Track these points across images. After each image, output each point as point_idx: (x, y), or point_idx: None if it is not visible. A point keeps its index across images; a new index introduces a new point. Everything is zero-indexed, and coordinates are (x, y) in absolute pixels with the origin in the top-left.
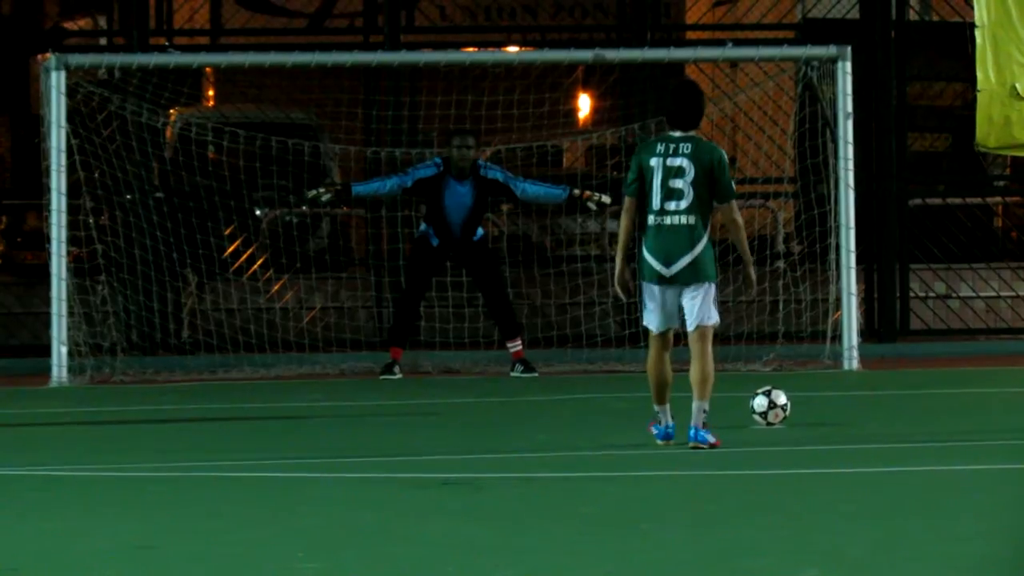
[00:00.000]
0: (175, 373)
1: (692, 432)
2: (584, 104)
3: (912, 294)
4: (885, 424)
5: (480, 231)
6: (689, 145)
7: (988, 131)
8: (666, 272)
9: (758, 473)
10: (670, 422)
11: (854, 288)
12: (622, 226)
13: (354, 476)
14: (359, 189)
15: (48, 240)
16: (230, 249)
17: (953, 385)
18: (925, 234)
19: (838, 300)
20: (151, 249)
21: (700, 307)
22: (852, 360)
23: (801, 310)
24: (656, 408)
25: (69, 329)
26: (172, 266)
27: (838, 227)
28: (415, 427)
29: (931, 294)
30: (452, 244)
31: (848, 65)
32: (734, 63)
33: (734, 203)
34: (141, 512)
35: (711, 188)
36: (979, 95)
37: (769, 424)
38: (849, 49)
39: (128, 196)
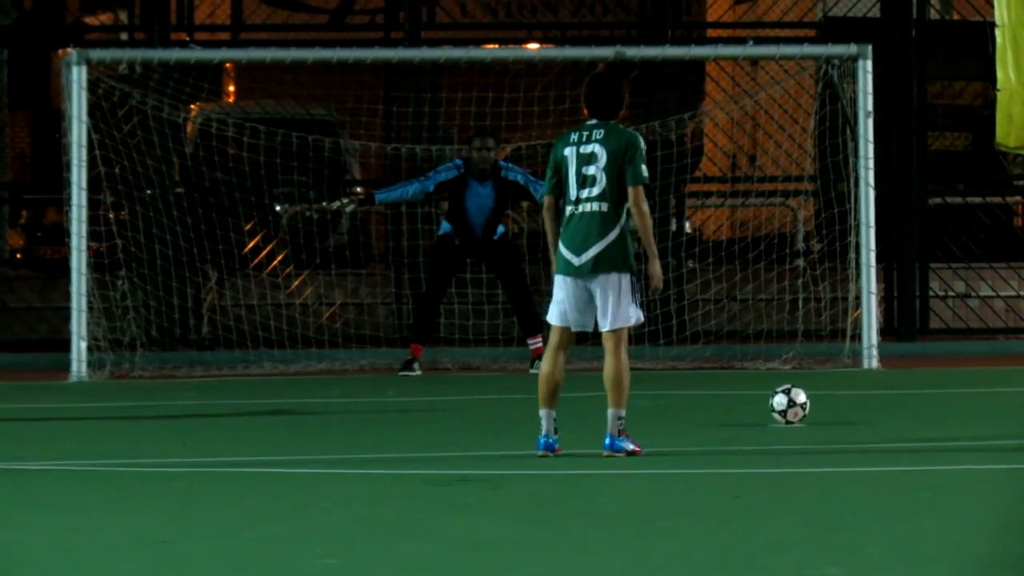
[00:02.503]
0: (194, 369)
1: (608, 441)
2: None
3: (932, 293)
4: (904, 423)
5: (501, 228)
6: (602, 131)
7: (1008, 130)
8: (576, 261)
9: (777, 472)
10: (552, 433)
11: (874, 287)
12: (547, 229)
13: (373, 472)
14: (382, 196)
15: (68, 235)
16: (250, 245)
17: (972, 384)
18: (945, 233)
19: (858, 299)
20: (171, 244)
21: (614, 304)
22: (872, 359)
23: (821, 308)
24: (540, 413)
25: (89, 324)
26: (192, 262)
27: (858, 225)
28: (434, 423)
29: (951, 293)
30: (473, 243)
31: (869, 64)
32: (755, 61)
33: (641, 191)
34: (160, 507)
35: (622, 174)
36: (999, 94)
37: (788, 423)
38: (870, 48)
39: (149, 191)
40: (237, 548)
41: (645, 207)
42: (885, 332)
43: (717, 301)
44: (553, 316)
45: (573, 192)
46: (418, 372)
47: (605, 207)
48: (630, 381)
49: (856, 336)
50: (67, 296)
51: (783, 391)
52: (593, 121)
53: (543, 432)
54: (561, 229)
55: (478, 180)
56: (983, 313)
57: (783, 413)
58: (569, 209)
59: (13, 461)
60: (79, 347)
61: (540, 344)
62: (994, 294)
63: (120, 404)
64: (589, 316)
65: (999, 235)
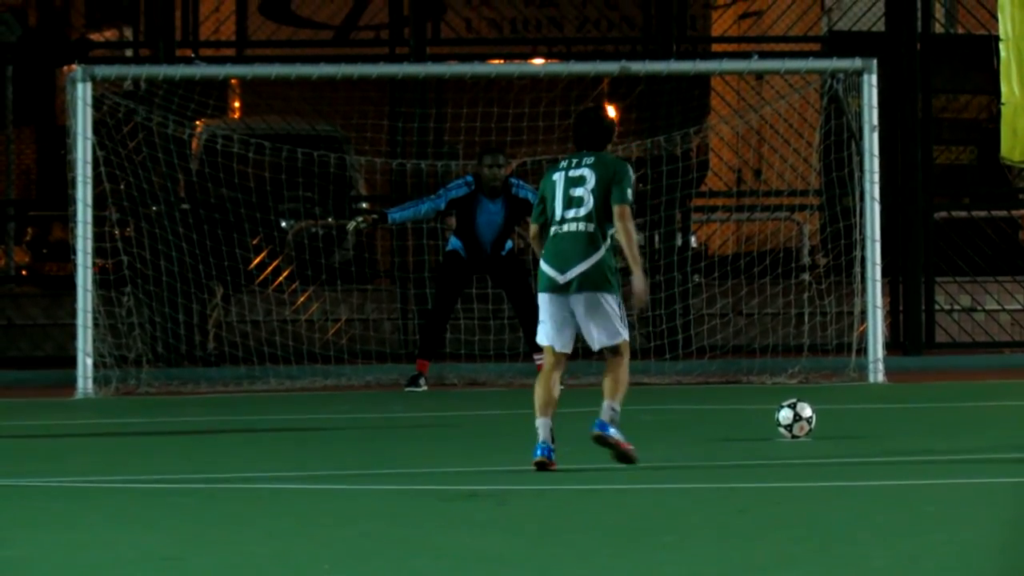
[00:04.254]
0: (200, 385)
1: (597, 423)
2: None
3: (937, 307)
4: (910, 437)
5: (508, 244)
6: (592, 158)
7: (1013, 144)
8: (560, 278)
9: (783, 486)
10: (550, 441)
11: (879, 301)
12: (537, 254)
13: (380, 488)
14: (396, 215)
15: (73, 251)
16: (256, 261)
17: (978, 398)
18: (950, 247)
19: (863, 313)
20: (177, 261)
21: (600, 322)
22: (877, 373)
23: (827, 322)
24: (537, 422)
25: (94, 341)
26: (198, 278)
27: (863, 240)
28: (440, 439)
29: (956, 307)
30: (482, 259)
31: (874, 78)
32: (760, 75)
33: (627, 209)
34: (167, 523)
35: (609, 196)
36: (1004, 108)
37: (794, 437)
38: (875, 62)
39: (154, 208)
40: (244, 564)
41: (630, 225)
42: (891, 346)
43: (723, 315)
44: (542, 337)
45: (559, 212)
46: (424, 388)
47: (591, 227)
48: (627, 390)
49: (862, 350)
50: (73, 313)
51: (789, 405)
52: (584, 152)
53: (540, 439)
54: (544, 247)
55: (488, 197)
56: (989, 327)
57: (789, 427)
58: (553, 229)
59: (19, 478)
60: (85, 364)
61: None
62: (1000, 308)
63: (126, 420)
64: (568, 335)
65: (1004, 249)
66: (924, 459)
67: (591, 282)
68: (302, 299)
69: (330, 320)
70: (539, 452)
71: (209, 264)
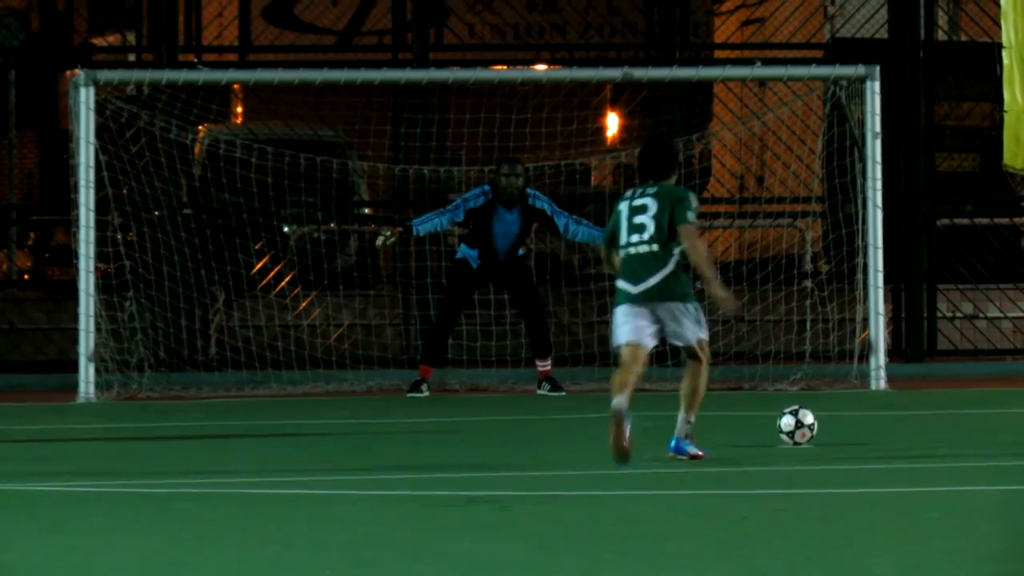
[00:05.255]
0: (202, 390)
1: (673, 443)
2: (612, 122)
3: (939, 314)
4: (912, 444)
5: (521, 250)
6: (655, 188)
7: (1016, 151)
8: (632, 289)
9: (785, 492)
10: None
11: (882, 308)
12: (606, 260)
13: (381, 493)
14: (420, 228)
15: (76, 256)
16: (258, 266)
17: (980, 405)
18: (953, 254)
19: (866, 320)
20: (179, 265)
21: (679, 324)
22: (879, 380)
23: (829, 330)
24: (614, 401)
25: (96, 345)
26: (200, 283)
27: (866, 247)
28: (442, 445)
29: (958, 314)
30: (495, 267)
31: (876, 85)
32: (762, 82)
33: (691, 228)
34: (168, 528)
35: (671, 220)
36: (1006, 115)
37: (796, 444)
38: (878, 69)
39: (156, 212)
40: (246, 569)
41: (696, 243)
42: (893, 353)
43: (725, 322)
44: (620, 336)
45: (624, 238)
46: (426, 393)
47: (654, 247)
48: (702, 397)
49: (864, 357)
50: (75, 317)
51: (791, 412)
52: (648, 182)
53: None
54: (620, 269)
55: (505, 206)
56: (991, 334)
57: (791, 434)
58: (622, 253)
59: (20, 481)
60: (87, 368)
61: (549, 367)
62: (1002, 315)
63: (127, 425)
64: (648, 334)
65: (1007, 256)
66: (926, 466)
67: (666, 292)
68: (304, 304)
69: (332, 325)
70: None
71: (211, 269)
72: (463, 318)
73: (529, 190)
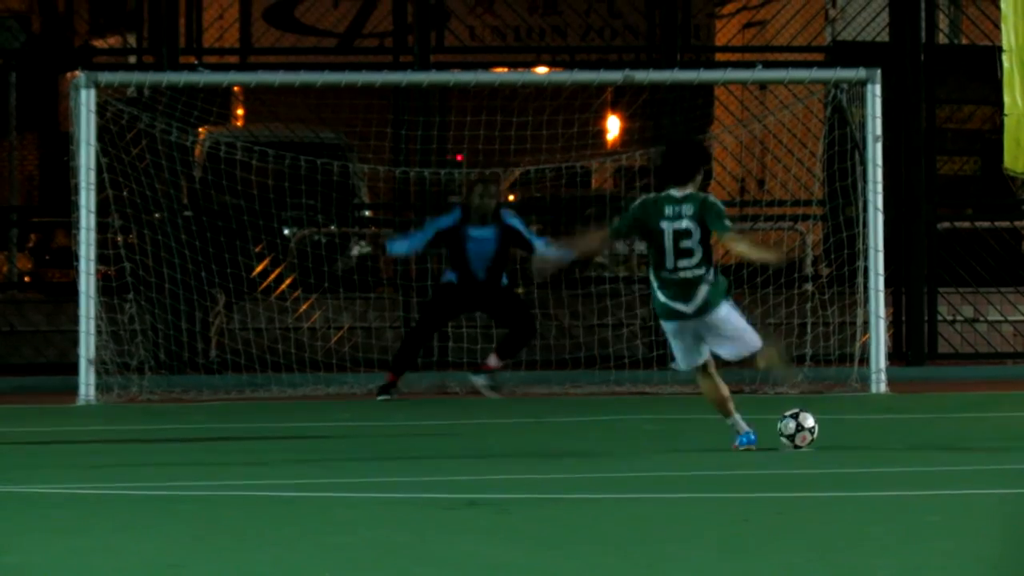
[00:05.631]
0: (202, 392)
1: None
2: (613, 125)
3: (940, 318)
4: (913, 447)
5: (504, 280)
6: (691, 206)
7: (1016, 155)
8: (687, 309)
9: (786, 496)
10: (748, 429)
11: (882, 311)
12: (591, 240)
13: (381, 496)
14: (393, 249)
15: (76, 258)
16: (258, 268)
17: (981, 409)
18: (953, 257)
19: (866, 323)
20: (179, 268)
21: (732, 334)
22: (880, 383)
23: (829, 333)
24: (728, 421)
25: (97, 347)
26: (200, 285)
27: (866, 250)
28: (442, 447)
29: (959, 318)
30: (476, 289)
31: (877, 88)
32: (763, 85)
33: (732, 235)
34: (168, 530)
35: (708, 235)
36: (1007, 119)
37: (796, 447)
38: (879, 72)
39: (157, 214)
40: (245, 572)
41: (744, 245)
42: (893, 357)
43: None
44: (681, 363)
45: (671, 262)
46: (394, 398)
47: (702, 270)
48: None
49: (864, 361)
50: (75, 319)
51: (791, 415)
52: (676, 192)
53: (742, 431)
54: (659, 287)
55: (478, 224)
56: (991, 338)
57: (791, 437)
58: (666, 274)
59: (21, 484)
60: (87, 370)
61: (498, 366)
62: (1002, 319)
63: (127, 427)
64: (700, 350)
65: (1007, 259)
66: (927, 469)
67: (709, 303)
68: (304, 307)
69: (332, 328)
70: (743, 443)
71: (212, 271)
72: (463, 320)
73: (504, 210)
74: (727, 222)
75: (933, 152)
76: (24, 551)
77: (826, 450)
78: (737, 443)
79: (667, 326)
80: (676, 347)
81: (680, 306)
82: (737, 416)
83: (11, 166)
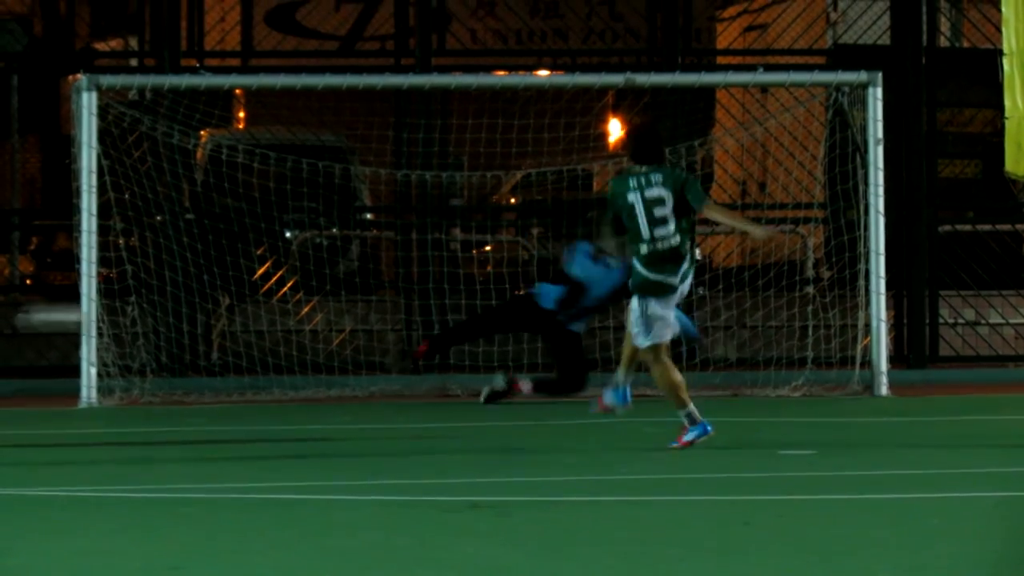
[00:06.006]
0: (204, 395)
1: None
2: (614, 128)
3: (941, 321)
4: (914, 450)
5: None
6: (659, 175)
7: (1017, 158)
8: (674, 280)
9: (787, 499)
10: (703, 420)
11: (884, 314)
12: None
13: (383, 499)
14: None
15: (78, 261)
16: (260, 271)
17: (982, 412)
18: (955, 260)
19: (867, 326)
20: (181, 270)
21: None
22: (881, 386)
23: (831, 336)
24: (682, 412)
25: (98, 350)
26: (202, 288)
27: (868, 253)
28: (443, 450)
29: (960, 321)
30: (550, 314)
31: (879, 91)
32: (764, 88)
33: (710, 204)
34: (170, 533)
35: (686, 206)
36: (1008, 122)
37: None
38: (880, 75)
39: (158, 217)
40: (247, 574)
41: (722, 213)
42: (894, 359)
43: (727, 328)
44: (658, 336)
45: (646, 231)
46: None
47: (678, 239)
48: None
49: (866, 363)
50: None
51: None
52: (644, 167)
53: (698, 422)
54: (643, 264)
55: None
56: (993, 341)
57: None
58: (646, 246)
59: (23, 487)
60: (89, 373)
61: (527, 393)
62: (1004, 322)
63: (129, 430)
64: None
65: (1008, 262)
66: (928, 472)
67: (687, 273)
68: (306, 309)
69: (334, 330)
70: (699, 432)
71: (213, 274)
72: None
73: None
74: (703, 193)
75: (934, 155)
76: (25, 553)
77: (827, 453)
78: (689, 436)
79: (650, 302)
80: (660, 319)
81: (665, 277)
82: (692, 406)
83: (13, 169)
